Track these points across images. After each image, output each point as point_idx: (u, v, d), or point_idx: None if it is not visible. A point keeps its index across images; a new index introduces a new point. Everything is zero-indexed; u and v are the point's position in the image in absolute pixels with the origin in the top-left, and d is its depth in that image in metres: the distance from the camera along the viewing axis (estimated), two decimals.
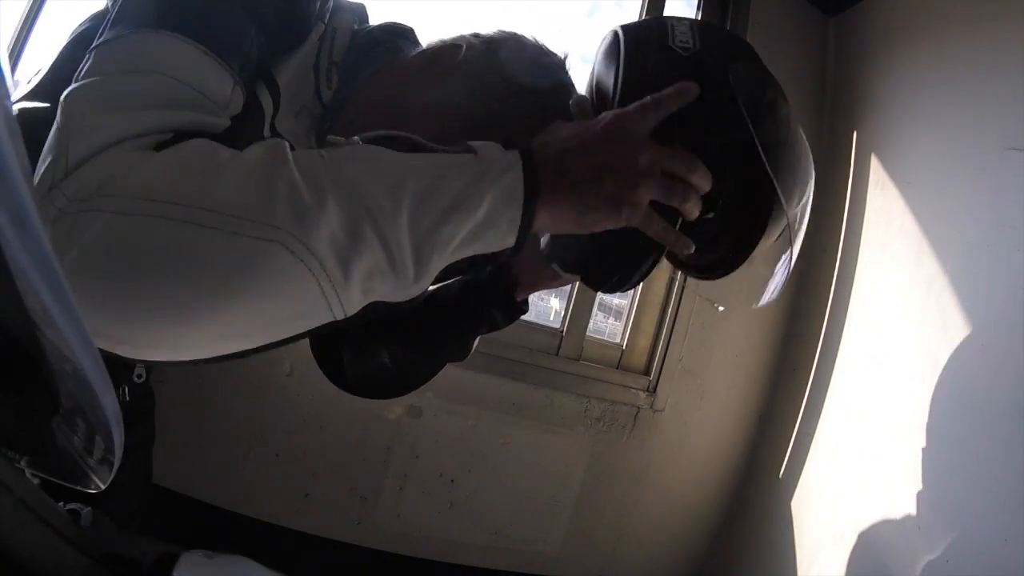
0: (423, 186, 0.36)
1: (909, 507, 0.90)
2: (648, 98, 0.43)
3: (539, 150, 0.41)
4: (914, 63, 1.14)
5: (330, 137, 0.39)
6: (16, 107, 0.50)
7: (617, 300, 1.45)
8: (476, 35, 0.59)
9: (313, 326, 0.35)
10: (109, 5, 0.51)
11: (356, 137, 0.40)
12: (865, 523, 0.97)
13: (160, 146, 0.34)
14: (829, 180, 1.30)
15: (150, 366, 0.64)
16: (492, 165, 0.38)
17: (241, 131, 0.44)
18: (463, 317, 0.65)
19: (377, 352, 0.65)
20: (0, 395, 0.21)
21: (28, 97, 0.52)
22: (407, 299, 0.39)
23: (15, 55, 1.05)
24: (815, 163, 0.52)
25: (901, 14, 1.18)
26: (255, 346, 0.35)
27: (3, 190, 0.15)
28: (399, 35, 0.61)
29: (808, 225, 0.52)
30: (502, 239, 0.39)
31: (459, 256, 0.39)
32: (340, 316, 0.35)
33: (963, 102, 1.01)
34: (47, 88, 0.49)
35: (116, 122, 0.34)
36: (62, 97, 0.35)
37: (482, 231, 0.38)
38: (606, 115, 0.43)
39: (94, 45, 0.38)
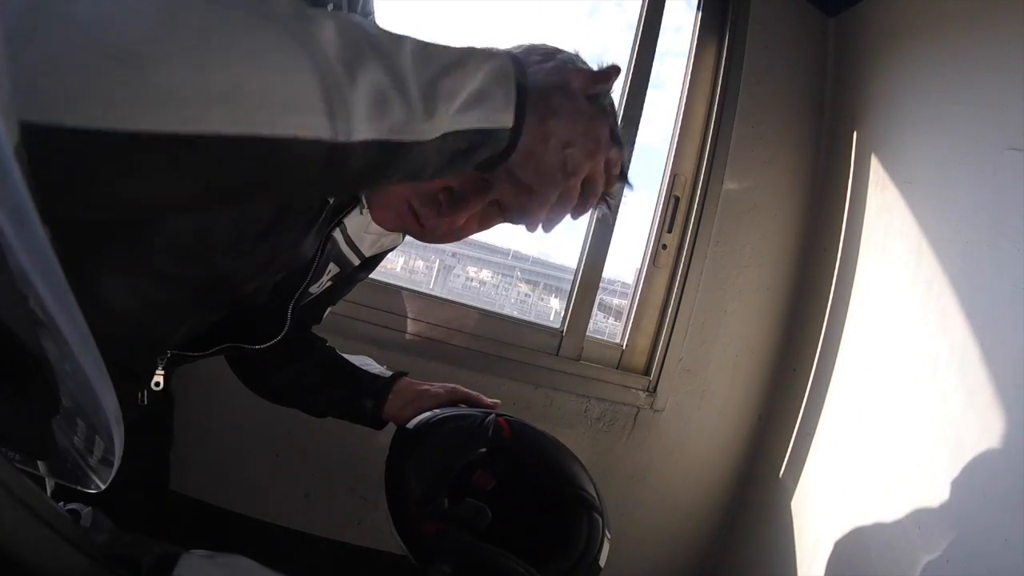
0: (421, 45, 0.36)
1: (909, 507, 0.90)
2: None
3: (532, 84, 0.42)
4: (914, 63, 1.14)
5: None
6: None
7: (617, 300, 1.45)
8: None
9: (305, 132, 0.30)
10: None
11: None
12: (865, 523, 0.97)
13: None
14: (829, 180, 1.30)
15: (169, 374, 0.64)
16: (488, 54, 0.39)
17: None
18: (344, 389, 0.81)
19: (278, 374, 0.82)
20: (0, 395, 0.21)
21: None
22: (418, 139, 0.36)
23: None
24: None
25: (901, 14, 1.18)
26: (233, 128, 0.28)
27: (3, 190, 0.15)
28: None
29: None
30: (500, 113, 0.39)
31: (465, 122, 0.38)
32: (340, 135, 0.31)
33: (963, 102, 1.01)
34: None
35: None
36: None
37: (481, 99, 0.38)
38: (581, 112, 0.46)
39: None
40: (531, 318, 1.26)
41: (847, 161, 1.25)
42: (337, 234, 0.67)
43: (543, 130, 0.42)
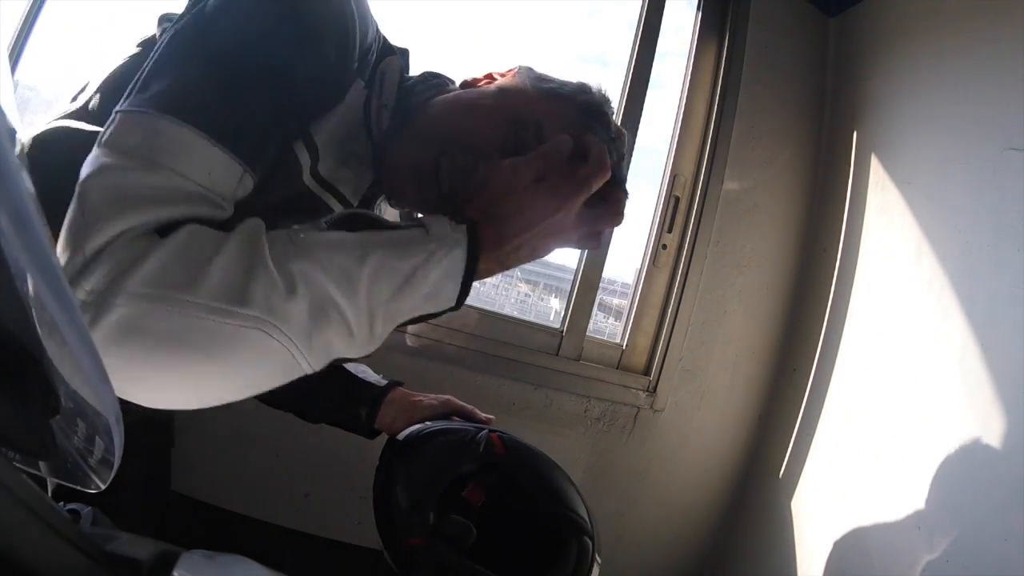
0: (376, 268, 0.42)
1: (909, 507, 0.90)
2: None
3: (482, 221, 0.46)
4: (914, 63, 1.14)
5: (295, 228, 0.44)
6: (64, 123, 0.53)
7: (617, 300, 1.45)
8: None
9: (291, 379, 0.42)
10: (157, 34, 0.52)
11: (322, 221, 0.46)
12: (865, 523, 0.97)
13: (161, 229, 0.39)
14: (829, 180, 1.30)
15: None
16: (441, 243, 0.44)
17: (268, 184, 0.50)
18: (339, 395, 0.79)
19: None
20: (0, 395, 0.21)
21: (75, 115, 0.55)
22: (362, 355, 0.45)
23: (15, 55, 1.05)
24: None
25: (901, 14, 1.18)
26: (245, 397, 0.41)
27: (3, 190, 0.15)
28: (445, 78, 0.65)
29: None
30: (444, 305, 0.46)
31: (406, 319, 0.45)
32: (310, 370, 0.42)
33: (963, 102, 1.01)
34: (96, 113, 0.54)
35: (127, 217, 0.38)
36: (80, 176, 0.39)
37: (426, 302, 0.44)
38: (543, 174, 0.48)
39: (118, 108, 0.42)
40: (531, 318, 1.26)
41: (847, 161, 1.25)
42: None
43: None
